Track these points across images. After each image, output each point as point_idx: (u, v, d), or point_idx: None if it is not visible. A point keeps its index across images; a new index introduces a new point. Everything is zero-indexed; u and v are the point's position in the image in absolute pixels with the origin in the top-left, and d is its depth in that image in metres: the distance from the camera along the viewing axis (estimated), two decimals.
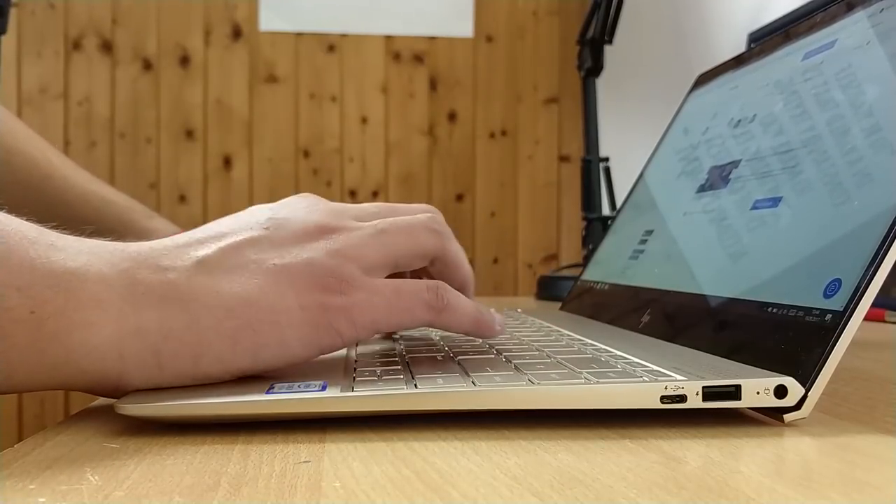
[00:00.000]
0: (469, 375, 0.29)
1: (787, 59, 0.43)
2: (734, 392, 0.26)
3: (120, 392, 0.28)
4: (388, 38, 2.12)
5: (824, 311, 0.28)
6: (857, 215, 0.30)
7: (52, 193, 0.65)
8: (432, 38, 2.13)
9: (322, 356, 0.31)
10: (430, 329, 0.45)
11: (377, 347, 0.37)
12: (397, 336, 0.43)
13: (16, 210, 0.28)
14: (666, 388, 0.26)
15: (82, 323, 0.27)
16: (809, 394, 0.27)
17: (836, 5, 0.40)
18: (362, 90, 2.12)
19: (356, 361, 0.33)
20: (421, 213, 0.35)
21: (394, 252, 0.33)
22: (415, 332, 0.44)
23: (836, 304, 0.28)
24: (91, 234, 0.30)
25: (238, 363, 0.29)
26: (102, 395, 0.29)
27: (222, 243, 0.30)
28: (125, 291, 0.28)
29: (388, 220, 0.34)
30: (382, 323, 0.31)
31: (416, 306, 0.32)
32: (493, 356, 0.33)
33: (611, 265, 0.54)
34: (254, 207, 0.34)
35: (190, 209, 1.99)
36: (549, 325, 0.46)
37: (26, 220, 0.28)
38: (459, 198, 2.15)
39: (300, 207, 0.33)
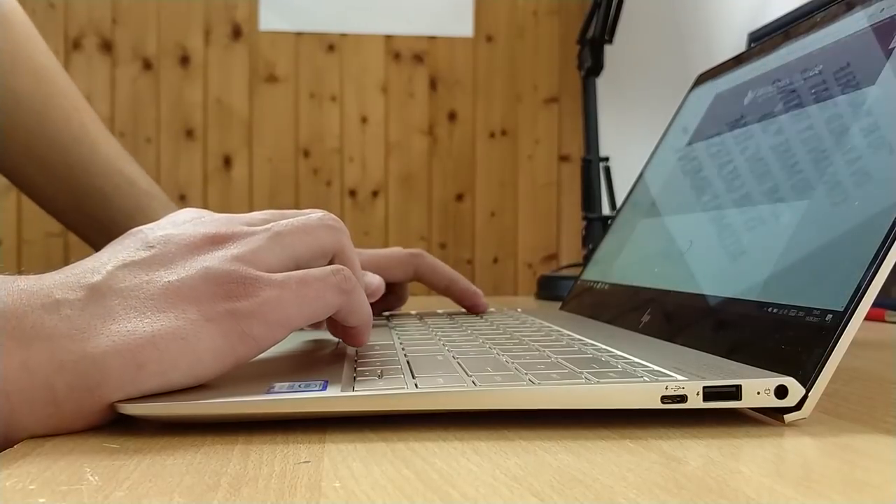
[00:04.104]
0: (469, 375, 0.29)
1: (787, 59, 0.43)
2: (735, 392, 0.26)
3: (10, 440, 0.25)
4: (388, 37, 2.12)
5: (825, 311, 0.28)
6: (856, 215, 0.30)
7: (78, 158, 0.62)
8: (432, 38, 2.13)
9: (321, 356, 0.31)
10: (430, 329, 0.45)
11: (378, 347, 0.37)
12: (397, 336, 0.43)
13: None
14: (666, 388, 0.26)
15: None
16: (810, 394, 0.27)
17: (836, 5, 0.40)
18: (362, 90, 2.12)
19: (356, 361, 0.33)
20: (313, 214, 0.34)
21: (293, 252, 0.32)
22: (415, 333, 0.44)
23: (837, 304, 0.28)
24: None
25: (144, 386, 0.26)
26: None
27: (110, 267, 0.28)
28: (10, 326, 0.25)
29: (282, 222, 0.32)
30: (296, 317, 0.29)
31: (327, 291, 0.30)
32: (493, 356, 0.33)
33: (611, 265, 0.54)
34: (134, 230, 0.32)
35: None
36: (549, 325, 0.46)
37: None
38: (459, 198, 2.15)
39: (184, 221, 0.32)
